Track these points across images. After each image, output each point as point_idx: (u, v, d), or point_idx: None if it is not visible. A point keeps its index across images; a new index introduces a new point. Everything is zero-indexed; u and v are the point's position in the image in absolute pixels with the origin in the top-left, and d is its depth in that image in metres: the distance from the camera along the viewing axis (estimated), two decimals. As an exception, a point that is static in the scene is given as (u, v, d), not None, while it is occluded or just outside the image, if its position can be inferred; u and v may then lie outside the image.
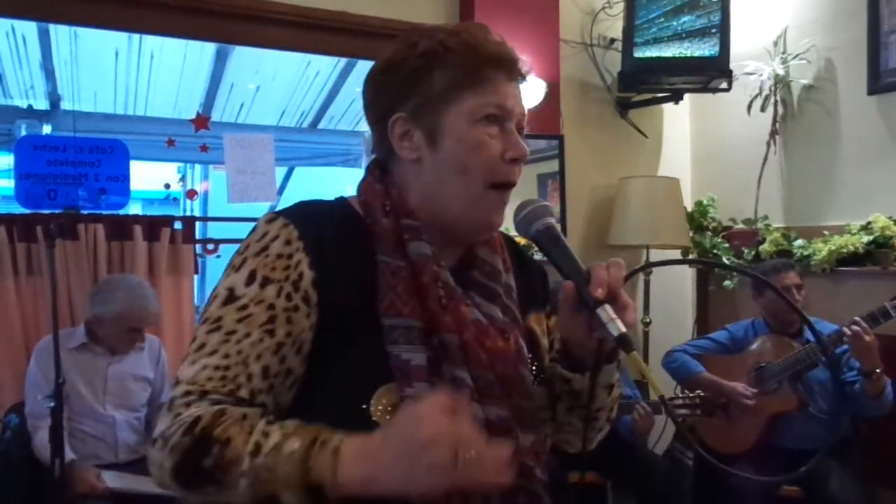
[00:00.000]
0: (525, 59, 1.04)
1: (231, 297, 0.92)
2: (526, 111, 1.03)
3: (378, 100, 1.03)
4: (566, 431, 1.12)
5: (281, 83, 5.06)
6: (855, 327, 2.53)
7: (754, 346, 2.93)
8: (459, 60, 0.97)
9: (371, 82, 1.04)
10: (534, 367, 1.04)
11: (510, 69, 1.00)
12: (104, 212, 3.03)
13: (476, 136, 0.97)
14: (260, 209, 3.31)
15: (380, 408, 0.90)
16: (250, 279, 0.93)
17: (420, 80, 0.98)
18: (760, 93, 3.48)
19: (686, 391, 2.91)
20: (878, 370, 2.55)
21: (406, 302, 0.93)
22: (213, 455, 0.82)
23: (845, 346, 2.66)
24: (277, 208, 1.01)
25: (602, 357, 0.98)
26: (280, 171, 6.24)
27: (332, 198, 1.06)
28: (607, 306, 0.89)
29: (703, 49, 3.41)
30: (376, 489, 0.79)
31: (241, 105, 5.33)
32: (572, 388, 1.03)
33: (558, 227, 1.00)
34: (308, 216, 0.99)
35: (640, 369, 0.90)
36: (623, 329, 0.88)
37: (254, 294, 0.92)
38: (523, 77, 1.03)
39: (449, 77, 0.97)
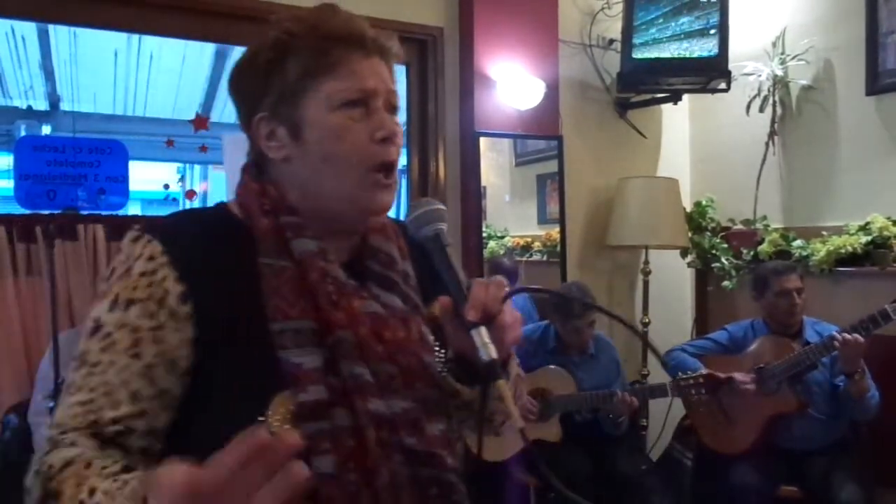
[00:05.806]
0: (388, 34, 0.98)
1: (96, 327, 0.88)
2: (395, 88, 0.98)
3: (240, 103, 0.98)
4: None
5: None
6: (847, 335, 2.56)
7: (754, 346, 2.92)
8: (306, 45, 0.92)
9: (230, 86, 0.99)
10: (442, 354, 1.00)
11: (364, 46, 0.94)
12: (103, 212, 3.04)
13: (337, 122, 0.92)
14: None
15: (277, 417, 0.85)
16: (113, 305, 0.88)
17: (274, 73, 0.93)
18: (759, 93, 3.48)
19: (689, 371, 2.89)
20: (859, 370, 2.59)
21: (293, 303, 0.89)
22: None
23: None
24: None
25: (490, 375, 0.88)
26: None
27: None
28: (482, 329, 0.85)
29: (702, 50, 3.41)
30: None
31: (241, 105, 5.32)
32: (462, 399, 0.98)
33: (445, 233, 0.94)
34: (174, 228, 0.94)
35: (505, 399, 0.83)
36: (493, 355, 0.84)
37: (117, 319, 0.87)
38: (387, 52, 0.97)
39: (300, 64, 0.92)
